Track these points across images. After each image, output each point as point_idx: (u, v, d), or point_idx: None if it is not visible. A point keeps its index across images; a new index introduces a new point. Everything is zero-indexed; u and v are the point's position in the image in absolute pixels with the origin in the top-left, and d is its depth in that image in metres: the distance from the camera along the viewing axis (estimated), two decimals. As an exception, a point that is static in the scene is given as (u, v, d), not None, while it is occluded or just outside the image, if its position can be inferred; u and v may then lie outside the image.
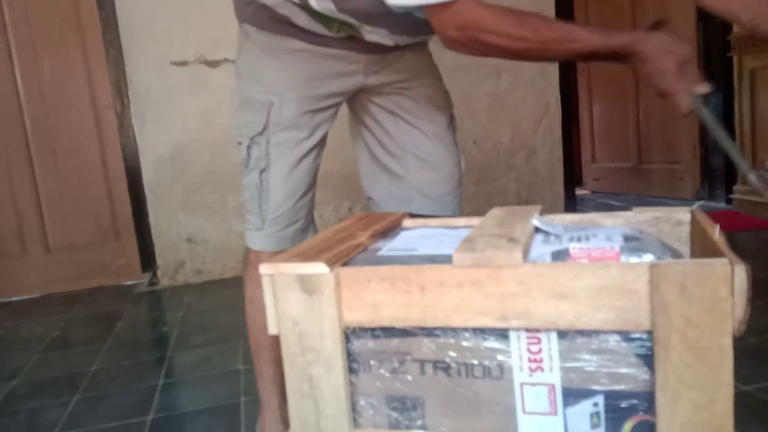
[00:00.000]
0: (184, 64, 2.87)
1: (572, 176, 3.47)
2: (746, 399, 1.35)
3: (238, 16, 1.22)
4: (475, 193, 3.15)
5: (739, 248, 2.67)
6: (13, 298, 2.94)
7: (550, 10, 3.19)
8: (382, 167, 1.31)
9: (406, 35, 1.18)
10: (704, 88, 0.89)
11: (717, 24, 3.37)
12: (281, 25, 1.13)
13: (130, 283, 3.05)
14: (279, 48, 1.16)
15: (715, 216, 2.93)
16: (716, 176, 3.54)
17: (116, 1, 2.77)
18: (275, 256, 1.06)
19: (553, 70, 3.25)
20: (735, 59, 3.21)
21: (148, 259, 2.97)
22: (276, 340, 0.73)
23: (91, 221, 3.02)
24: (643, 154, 4.01)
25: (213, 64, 2.89)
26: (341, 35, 1.14)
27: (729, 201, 3.38)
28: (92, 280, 3.03)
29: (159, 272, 2.97)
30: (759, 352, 1.57)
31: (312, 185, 1.24)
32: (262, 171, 1.18)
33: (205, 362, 1.92)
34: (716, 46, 3.40)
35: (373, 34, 1.14)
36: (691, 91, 0.88)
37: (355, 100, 1.28)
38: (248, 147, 1.18)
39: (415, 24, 1.06)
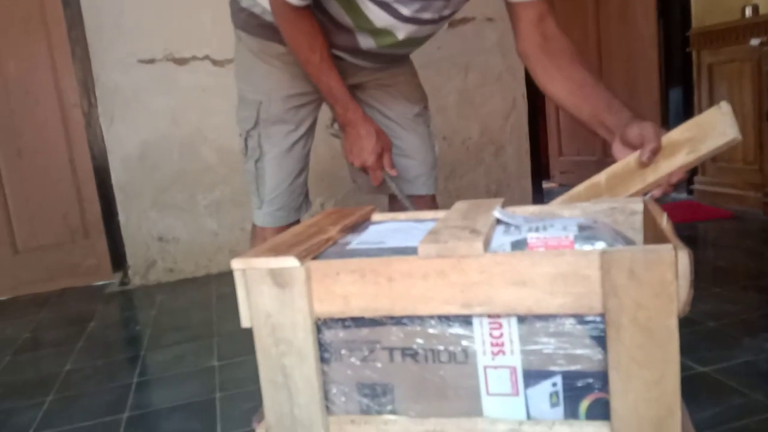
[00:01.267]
0: (151, 61, 2.85)
1: (539, 170, 3.54)
2: (703, 379, 1.41)
3: (233, 21, 1.34)
4: (445, 188, 3.19)
5: (700, 237, 2.76)
6: (-19, 301, 2.90)
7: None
8: None
9: (387, 62, 1.34)
10: (394, 172, 1.27)
11: (676, 21, 3.47)
12: (268, 31, 1.24)
13: (101, 283, 3.03)
14: (266, 52, 1.28)
15: (676, 207, 3.02)
16: (678, 168, 3.65)
17: (81, -1, 2.74)
18: (274, 231, 1.33)
19: (519, 66, 3.31)
20: (694, 54, 3.31)
21: (118, 258, 2.95)
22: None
23: (60, 221, 2.98)
24: (607, 147, 4.08)
25: (181, 61, 2.87)
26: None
27: (690, 192, 3.49)
28: (62, 280, 3.00)
29: (130, 272, 2.95)
30: (716, 336, 1.64)
31: (303, 169, 1.39)
32: (257, 160, 1.33)
33: (179, 360, 1.92)
34: (676, 42, 3.49)
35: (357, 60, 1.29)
36: (385, 171, 1.26)
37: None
38: (245, 139, 1.34)
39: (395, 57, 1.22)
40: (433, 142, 1.47)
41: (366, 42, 1.23)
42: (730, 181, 3.17)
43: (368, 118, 1.26)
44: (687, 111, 3.47)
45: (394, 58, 1.34)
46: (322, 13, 1.18)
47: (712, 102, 3.23)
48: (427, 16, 1.17)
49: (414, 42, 1.26)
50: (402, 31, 1.19)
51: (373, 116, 1.38)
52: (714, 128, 1.03)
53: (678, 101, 3.55)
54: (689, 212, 3.13)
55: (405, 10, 1.13)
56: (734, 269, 2.20)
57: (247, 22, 1.29)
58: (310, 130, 1.37)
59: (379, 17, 1.15)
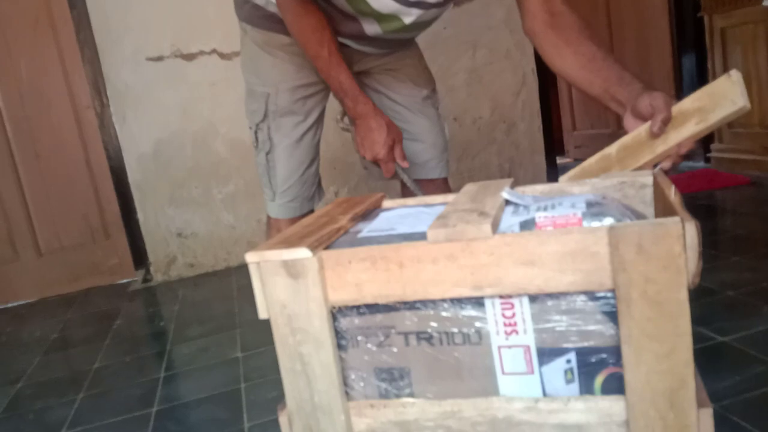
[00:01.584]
0: (160, 59, 2.87)
1: (552, 146, 3.51)
2: (723, 349, 1.41)
3: (237, 13, 1.35)
4: (457, 169, 3.18)
5: (718, 206, 2.73)
6: (10, 304, 2.97)
7: None
8: None
9: (393, 46, 1.35)
10: (406, 164, 1.28)
11: (687, -15, 3.41)
12: (272, 22, 1.25)
13: (124, 281, 3.08)
14: (271, 43, 1.29)
15: (694, 175, 2.98)
16: (694, 136, 3.60)
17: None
18: (288, 221, 1.35)
19: (528, 41, 3.27)
20: (706, 19, 3.25)
21: (139, 256, 3.00)
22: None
23: (80, 222, 3.03)
24: (621, 119, 4.05)
25: (189, 57, 2.89)
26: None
27: (707, 160, 3.44)
28: (86, 280, 3.06)
29: (152, 268, 3.00)
30: (736, 305, 1.63)
31: (314, 159, 1.39)
32: (267, 152, 1.34)
33: (204, 352, 1.96)
34: (687, 7, 3.43)
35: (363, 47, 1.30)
36: (397, 162, 1.26)
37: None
38: (255, 132, 1.35)
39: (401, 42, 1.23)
40: (442, 124, 1.47)
41: (371, 28, 1.23)
42: (747, 147, 3.13)
43: (378, 110, 1.26)
44: (701, 78, 3.42)
45: (400, 42, 1.34)
46: (326, 1, 1.18)
47: (726, 67, 3.18)
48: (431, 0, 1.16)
49: (420, 26, 1.26)
50: (408, 16, 1.19)
51: (380, 101, 1.40)
52: (724, 97, 1.03)
53: (691, 68, 3.49)
54: (706, 180, 3.09)
55: None
56: (753, 237, 2.17)
57: (251, 14, 1.29)
58: (319, 119, 1.38)
59: (384, 5, 1.15)
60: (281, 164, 1.35)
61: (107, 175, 2.95)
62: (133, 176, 2.91)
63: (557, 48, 1.11)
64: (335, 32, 1.23)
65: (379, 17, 1.19)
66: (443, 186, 1.48)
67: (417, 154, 1.42)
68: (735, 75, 1.01)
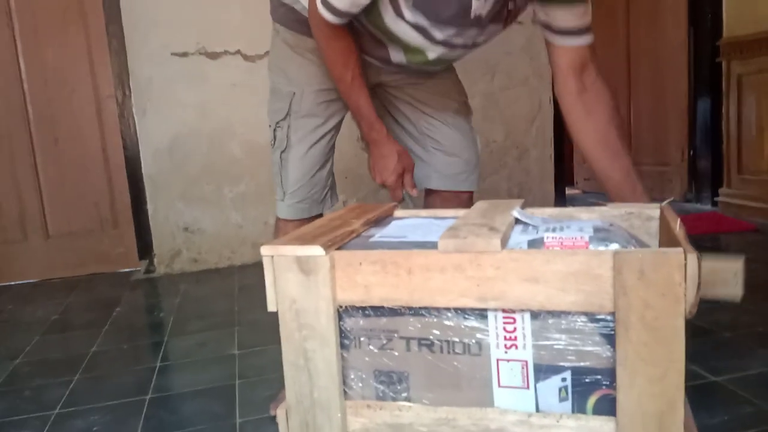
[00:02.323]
0: (184, 55, 2.92)
1: (563, 175, 3.54)
2: (716, 388, 1.42)
3: (272, 14, 1.38)
4: (467, 189, 3.22)
5: (722, 249, 2.75)
6: (13, 283, 3.00)
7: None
8: (406, 149, 1.42)
9: (418, 76, 1.39)
10: (415, 192, 1.32)
11: (707, 30, 3.45)
12: (305, 26, 1.26)
13: (127, 270, 3.11)
14: (302, 46, 1.32)
15: (700, 218, 2.99)
16: (703, 179, 3.62)
17: (119, -8, 2.82)
18: (296, 224, 1.35)
19: (546, 70, 3.32)
20: (723, 64, 3.29)
21: (145, 247, 3.03)
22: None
23: (91, 209, 3.07)
24: (633, 155, 4.07)
25: (213, 56, 2.94)
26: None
27: (715, 203, 3.46)
28: (90, 266, 3.09)
29: (156, 260, 3.03)
30: (731, 346, 1.64)
31: (326, 163, 1.41)
32: (282, 151, 1.37)
33: (201, 347, 1.98)
34: (705, 51, 3.47)
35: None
36: (406, 190, 1.30)
37: (377, 89, 1.42)
38: (274, 130, 1.38)
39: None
40: (475, 137, 1.49)
41: (397, 56, 1.26)
42: (755, 194, 3.15)
43: (392, 138, 1.30)
44: (714, 121, 3.45)
45: (426, 73, 1.37)
46: (358, 22, 1.21)
47: (740, 113, 3.21)
48: (459, 41, 1.20)
49: (444, 61, 1.29)
50: (433, 52, 1.22)
51: (413, 113, 1.42)
52: (720, 281, 1.05)
53: (706, 111, 3.53)
54: (712, 223, 3.11)
55: (439, 35, 1.16)
56: (754, 282, 2.19)
57: (286, 16, 1.32)
58: (338, 125, 1.40)
59: (412, 38, 1.18)
60: (294, 164, 1.37)
61: (122, 166, 2.99)
62: (147, 169, 2.95)
63: (581, 123, 1.15)
64: (364, 52, 1.27)
65: (406, 48, 1.22)
66: (468, 200, 1.48)
67: (448, 165, 1.44)
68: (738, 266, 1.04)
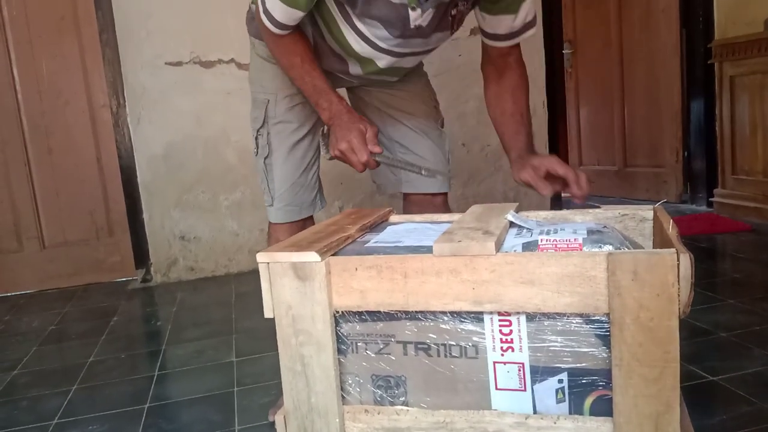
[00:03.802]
0: (179, 64, 2.92)
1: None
2: (713, 388, 1.42)
3: (248, 29, 1.43)
4: (462, 194, 3.22)
5: (718, 249, 2.76)
6: (10, 293, 2.99)
7: (538, 38, 3.27)
8: None
9: (380, 85, 1.42)
10: (378, 149, 1.21)
11: (699, 32, 3.47)
12: None
13: (123, 279, 3.10)
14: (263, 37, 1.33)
15: (696, 219, 3.00)
16: (698, 180, 3.63)
17: (113, 1, 2.82)
18: (287, 227, 1.38)
19: (539, 74, 3.33)
20: (716, 66, 3.31)
21: (141, 256, 3.02)
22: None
23: (86, 218, 3.06)
24: (628, 157, 4.10)
25: (207, 64, 2.94)
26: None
27: (710, 204, 3.48)
28: (87, 276, 3.08)
29: (152, 269, 3.02)
30: (728, 346, 1.65)
31: (310, 165, 1.44)
32: (265, 157, 1.41)
33: (199, 355, 1.97)
34: (698, 53, 3.49)
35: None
36: (370, 150, 1.20)
37: (350, 94, 1.48)
38: (256, 138, 1.42)
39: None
40: (444, 140, 1.51)
41: (354, 68, 1.32)
42: (750, 194, 3.16)
43: (353, 109, 1.28)
44: (708, 122, 3.46)
45: (385, 82, 1.41)
46: (321, 38, 1.27)
47: (733, 113, 3.23)
48: (406, 50, 1.25)
49: (397, 69, 1.34)
50: (382, 61, 1.27)
51: (381, 118, 1.45)
52: None
53: (699, 111, 3.54)
54: (708, 224, 3.12)
55: (383, 44, 1.22)
56: (750, 281, 2.20)
57: (258, 31, 1.36)
58: (315, 128, 1.42)
59: (361, 48, 1.23)
60: (278, 169, 1.41)
61: (117, 174, 2.98)
62: (142, 177, 2.95)
63: (492, 97, 1.32)
64: (327, 68, 1.31)
65: (359, 59, 1.28)
66: (443, 203, 1.50)
67: None
68: None
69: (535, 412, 0.75)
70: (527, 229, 0.85)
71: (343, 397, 0.81)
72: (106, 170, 3.04)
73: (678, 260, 0.64)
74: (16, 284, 3.00)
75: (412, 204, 1.50)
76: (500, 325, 0.74)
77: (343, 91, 1.40)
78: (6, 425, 1.58)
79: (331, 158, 1.27)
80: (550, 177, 1.14)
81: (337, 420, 0.79)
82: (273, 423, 1.41)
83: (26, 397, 1.74)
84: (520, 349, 0.74)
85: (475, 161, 3.29)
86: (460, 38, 3.16)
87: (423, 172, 1.24)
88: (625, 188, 4.11)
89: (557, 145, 3.50)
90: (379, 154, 1.20)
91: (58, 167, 2.99)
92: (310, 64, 1.24)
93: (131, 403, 1.65)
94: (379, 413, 0.79)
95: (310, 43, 1.27)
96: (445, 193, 1.50)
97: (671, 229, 0.77)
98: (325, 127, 1.28)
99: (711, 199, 3.46)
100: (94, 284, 3.06)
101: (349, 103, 1.46)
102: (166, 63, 2.90)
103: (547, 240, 0.76)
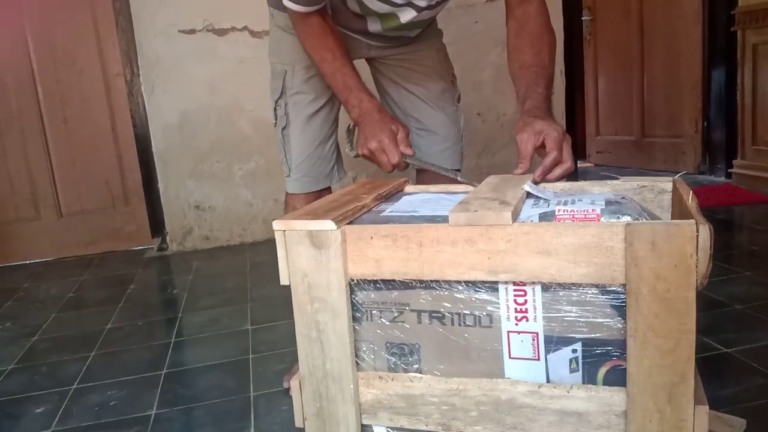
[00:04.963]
0: (192, 32, 2.91)
1: (575, 149, 3.51)
2: (727, 359, 1.42)
3: (267, 1, 1.42)
4: (477, 165, 3.20)
5: (735, 221, 2.73)
6: (28, 261, 3.04)
7: (557, 4, 3.19)
8: None
9: (400, 43, 1.39)
10: (410, 151, 1.19)
11: (722, -1, 3.38)
12: None
13: (140, 248, 3.14)
14: (292, 27, 1.32)
15: (714, 190, 2.98)
16: (717, 151, 3.58)
17: (125, -32, 2.80)
18: (304, 198, 1.38)
19: (557, 41, 3.27)
20: (739, 34, 3.22)
21: (157, 225, 3.05)
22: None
23: (102, 187, 3.09)
24: (646, 127, 4.04)
25: (221, 32, 2.92)
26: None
27: (729, 175, 3.43)
28: (103, 244, 3.12)
29: (168, 238, 3.05)
30: (743, 318, 1.64)
31: (328, 136, 1.44)
32: (283, 128, 1.41)
33: (215, 323, 2.00)
34: (720, 20, 3.40)
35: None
36: (402, 152, 1.17)
37: (370, 66, 1.46)
38: (275, 109, 1.42)
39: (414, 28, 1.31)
40: (459, 116, 1.49)
41: (374, 26, 1.29)
42: (770, 165, 3.11)
43: (384, 109, 1.26)
44: (729, 91, 3.39)
45: (405, 39, 1.38)
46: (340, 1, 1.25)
47: (755, 82, 3.16)
48: (422, 3, 1.22)
49: (418, 24, 1.32)
50: (404, 15, 1.25)
51: (397, 91, 1.44)
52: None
53: (720, 80, 3.47)
54: (726, 195, 3.08)
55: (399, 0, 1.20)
56: (767, 254, 2.18)
57: (277, 1, 1.34)
58: (332, 99, 1.41)
59: (379, 6, 1.22)
60: (295, 139, 1.41)
61: (132, 144, 3.00)
62: (157, 146, 2.96)
63: (514, 46, 1.26)
64: (345, 27, 1.29)
65: (380, 16, 1.26)
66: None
67: (430, 145, 1.45)
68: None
69: (548, 381, 0.75)
70: (544, 199, 0.84)
71: (357, 363, 0.82)
72: (121, 139, 3.06)
73: (697, 231, 0.63)
74: (34, 252, 3.05)
75: (425, 180, 1.49)
76: (515, 295, 0.74)
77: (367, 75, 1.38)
78: (27, 390, 1.62)
79: (357, 156, 1.24)
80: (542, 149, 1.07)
81: (352, 386, 0.80)
82: (288, 389, 1.44)
83: (46, 363, 1.78)
84: (535, 319, 0.74)
85: (490, 131, 3.26)
86: (476, 4, 3.11)
87: (458, 177, 1.18)
88: (642, 159, 4.06)
89: (575, 114, 3.45)
90: (410, 156, 1.18)
91: (73, 136, 3.01)
92: (341, 60, 1.23)
93: (149, 369, 1.68)
94: (393, 380, 0.80)
95: (339, 33, 1.26)
96: (458, 170, 1.50)
97: (691, 200, 0.75)
98: (351, 124, 1.26)
99: (730, 170, 3.41)
100: (110, 252, 3.10)
101: (372, 77, 1.46)
102: (179, 31, 2.88)
103: (564, 210, 0.76)
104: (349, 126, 1.28)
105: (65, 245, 3.07)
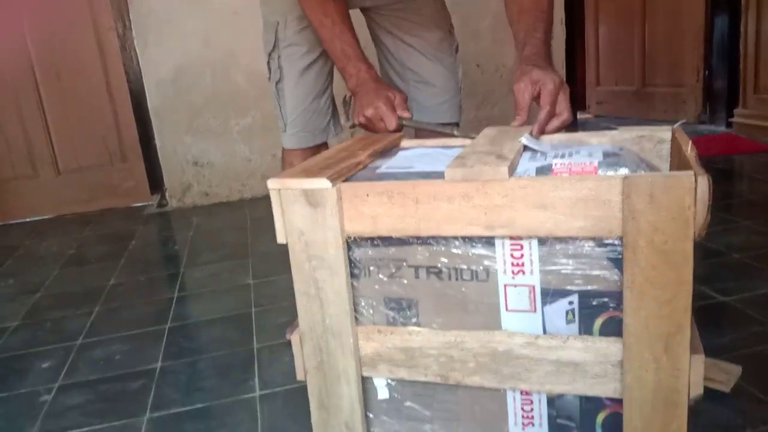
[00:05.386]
0: (184, -17, 2.84)
1: (575, 100, 3.48)
2: (724, 308, 1.44)
3: None
4: (476, 117, 3.17)
5: (735, 170, 2.72)
6: (28, 219, 3.04)
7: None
8: (389, 81, 1.42)
9: None
10: (407, 114, 1.16)
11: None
12: None
13: (139, 204, 3.14)
14: None
15: (714, 139, 2.96)
16: (718, 100, 3.54)
17: None
18: (300, 153, 1.35)
19: (558, -11, 3.20)
20: (743, -21, 3.15)
21: (156, 181, 3.05)
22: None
23: (99, 143, 3.07)
24: (647, 76, 3.98)
25: (213, -17, 2.85)
26: None
27: (729, 125, 3.40)
28: (102, 201, 3.12)
29: (167, 194, 3.05)
30: (741, 267, 1.65)
31: (323, 90, 1.41)
32: (277, 82, 1.37)
33: (216, 277, 2.02)
34: (725, -35, 3.32)
35: None
36: (399, 115, 1.14)
37: (365, 16, 1.42)
38: (268, 63, 1.39)
39: None
40: (457, 68, 1.46)
41: None
42: (771, 114, 3.08)
43: (381, 79, 1.23)
44: (732, 40, 3.33)
45: None
46: None
47: (758, 31, 3.09)
48: None
49: None
50: None
51: (394, 42, 1.41)
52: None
53: (723, 28, 3.40)
54: (726, 145, 3.07)
55: None
56: (766, 203, 2.18)
57: None
58: (326, 53, 1.36)
59: None
60: (289, 93, 1.38)
61: (127, 99, 2.96)
62: (152, 101, 2.92)
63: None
64: None
65: None
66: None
67: (428, 98, 1.42)
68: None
69: (544, 332, 0.76)
70: (541, 152, 0.84)
71: (356, 318, 0.83)
72: (116, 95, 3.02)
73: (696, 183, 0.63)
74: (33, 210, 3.05)
75: (424, 134, 1.47)
76: (512, 249, 0.74)
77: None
78: (32, 345, 1.64)
79: (353, 126, 1.22)
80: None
81: (351, 340, 0.81)
82: (290, 341, 1.46)
83: (50, 319, 1.81)
84: (531, 272, 0.74)
85: (489, 82, 3.21)
86: (475, -49, 3.02)
87: (455, 132, 1.16)
88: (642, 109, 4.02)
89: (575, 64, 3.40)
90: (407, 119, 1.15)
91: (67, 92, 2.97)
92: (340, 26, 1.19)
93: (152, 323, 1.71)
94: (391, 333, 0.81)
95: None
96: (457, 123, 1.48)
97: (690, 150, 0.75)
98: (348, 95, 1.24)
99: (731, 120, 3.38)
100: (110, 209, 3.11)
101: (369, 29, 1.42)
102: (170, -18, 2.81)
103: (561, 164, 0.75)
104: (345, 97, 1.25)
105: (64, 202, 3.07)
